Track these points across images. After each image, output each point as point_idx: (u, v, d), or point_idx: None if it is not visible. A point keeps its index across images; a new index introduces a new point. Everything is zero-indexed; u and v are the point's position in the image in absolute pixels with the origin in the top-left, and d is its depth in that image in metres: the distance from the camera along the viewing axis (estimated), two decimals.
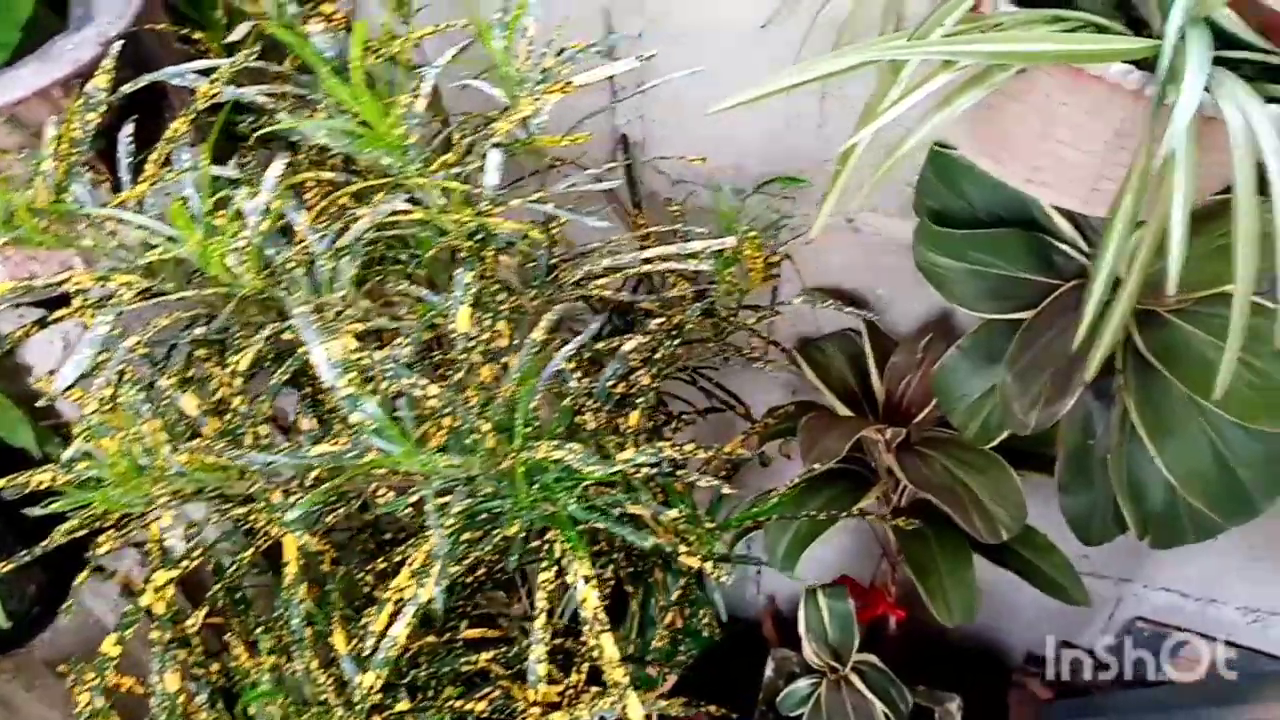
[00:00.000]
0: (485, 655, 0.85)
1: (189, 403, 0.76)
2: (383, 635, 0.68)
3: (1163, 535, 1.05)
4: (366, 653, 0.71)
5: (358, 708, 0.71)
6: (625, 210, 1.14)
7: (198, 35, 0.97)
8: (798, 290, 1.25)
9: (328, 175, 0.86)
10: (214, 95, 0.79)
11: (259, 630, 0.81)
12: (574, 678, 0.89)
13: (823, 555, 1.67)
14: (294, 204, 0.73)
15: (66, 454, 0.73)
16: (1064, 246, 1.01)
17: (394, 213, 0.69)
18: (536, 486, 0.67)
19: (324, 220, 0.74)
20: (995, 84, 0.67)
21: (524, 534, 0.79)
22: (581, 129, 0.80)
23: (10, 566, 0.79)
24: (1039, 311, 1.00)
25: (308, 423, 0.81)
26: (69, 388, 0.73)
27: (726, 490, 0.81)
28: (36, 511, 0.73)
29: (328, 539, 0.99)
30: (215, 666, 0.80)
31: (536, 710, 0.78)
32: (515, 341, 0.75)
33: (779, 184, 1.02)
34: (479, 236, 0.70)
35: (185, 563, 0.78)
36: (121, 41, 0.83)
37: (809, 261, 1.24)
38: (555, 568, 0.75)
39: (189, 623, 0.81)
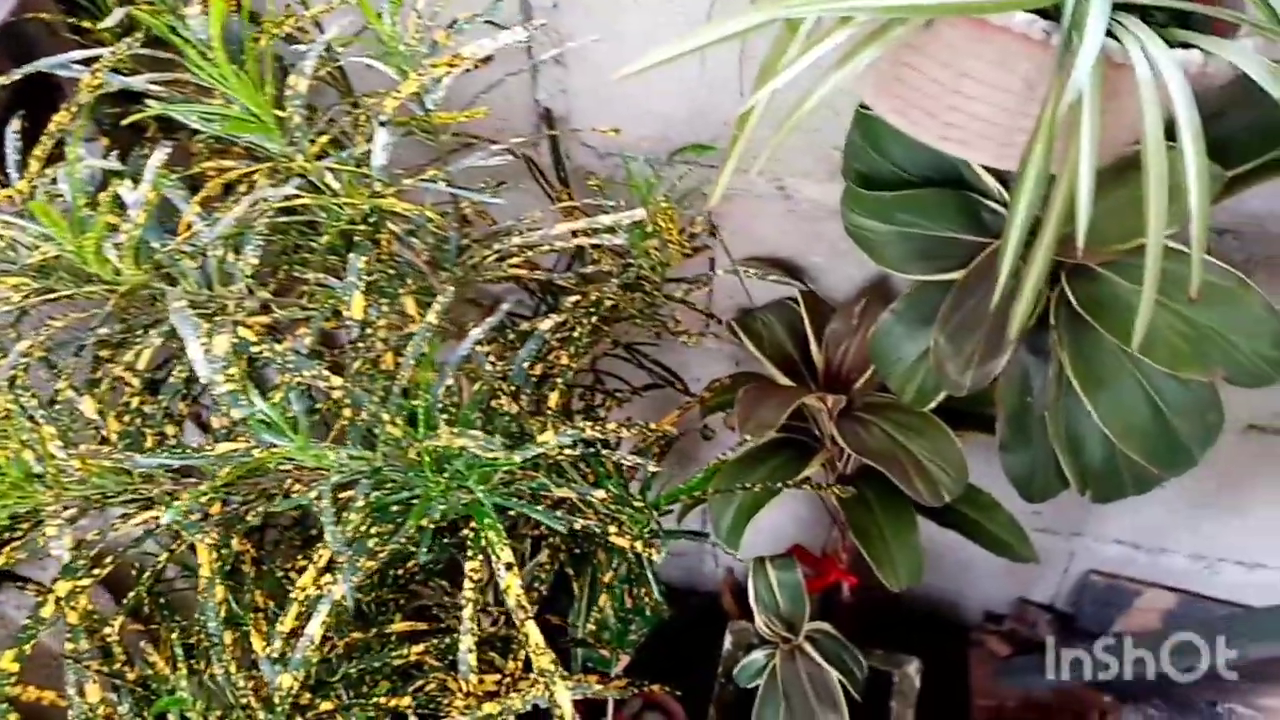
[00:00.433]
0: (417, 648, 0.83)
1: (89, 406, 0.74)
2: (297, 635, 0.66)
3: (1103, 489, 1.05)
4: (285, 654, 0.69)
5: (278, 710, 0.69)
6: (551, 186, 1.11)
7: (88, 24, 0.93)
8: (734, 261, 1.24)
9: (229, 164, 0.83)
10: (98, 86, 0.76)
11: (174, 635, 0.78)
12: (510, 665, 0.87)
13: (779, 525, 1.67)
14: (184, 194, 0.70)
15: None
16: (992, 204, 1.00)
17: (287, 198, 0.66)
18: (447, 475, 0.65)
19: (219, 210, 0.71)
20: (896, 38, 0.65)
21: (444, 524, 0.77)
22: (497, 105, 0.77)
23: None
24: (969, 271, 0.99)
25: (218, 420, 0.79)
26: None
27: (653, 468, 0.79)
28: None
29: (255, 538, 0.97)
30: (132, 675, 0.77)
31: (462, 702, 0.76)
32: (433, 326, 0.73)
33: (690, 152, 1.00)
34: (373, 219, 0.68)
35: (97, 570, 0.76)
36: None
37: (743, 232, 1.22)
38: (481, 556, 0.73)
39: (106, 631, 0.79)
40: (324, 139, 0.66)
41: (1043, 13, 0.65)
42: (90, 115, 0.81)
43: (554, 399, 0.80)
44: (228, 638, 0.76)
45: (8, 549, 0.73)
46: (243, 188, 0.75)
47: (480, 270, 0.81)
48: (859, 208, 1.02)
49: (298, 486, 0.69)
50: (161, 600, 0.89)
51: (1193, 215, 0.65)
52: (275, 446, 0.58)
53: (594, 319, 0.86)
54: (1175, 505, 1.44)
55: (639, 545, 0.79)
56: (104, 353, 0.81)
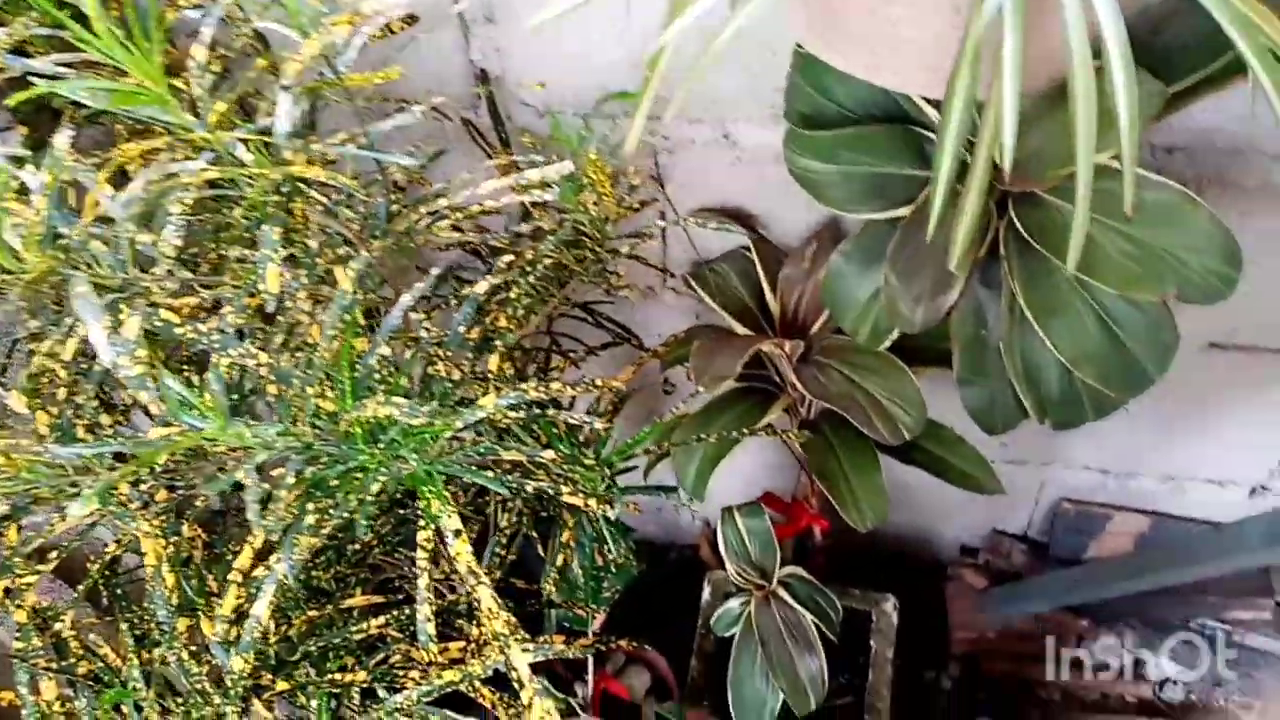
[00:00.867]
0: (377, 621, 0.83)
1: (15, 400, 0.72)
2: (243, 617, 0.65)
3: (1062, 417, 1.04)
4: (239, 637, 0.68)
5: (232, 693, 0.69)
6: (491, 148, 1.09)
7: None
8: (685, 213, 1.22)
9: (155, 144, 0.80)
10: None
11: (124, 626, 0.77)
12: (475, 632, 0.87)
13: (750, 474, 1.67)
14: (92, 176, 0.68)
15: None
16: (936, 137, 0.98)
17: (191, 172, 0.64)
18: (381, 446, 0.64)
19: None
20: None
21: (397, 495, 0.76)
22: (431, 67, 0.74)
23: None
24: (915, 207, 0.98)
25: (155, 408, 0.77)
26: None
27: (601, 425, 0.78)
28: None
29: (217, 524, 0.96)
30: (83, 669, 0.76)
31: (418, 673, 0.76)
32: (356, 295, 0.71)
33: (616, 99, 0.97)
34: (286, 189, 0.66)
35: (41, 566, 0.74)
36: None
37: (691, 183, 1.21)
38: (433, 526, 0.73)
39: (58, 626, 0.78)
40: (221, 107, 0.64)
41: None
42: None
43: (494, 363, 0.79)
44: (181, 624, 0.75)
45: None
46: (152, 166, 0.73)
47: (412, 236, 0.79)
48: (801, 149, 1.00)
49: (235, 467, 0.68)
50: (119, 591, 0.88)
51: (1121, 128, 0.64)
52: (195, 429, 0.57)
53: (532, 278, 0.84)
54: (1143, 428, 1.44)
55: (593, 503, 0.78)
56: (35, 345, 0.79)
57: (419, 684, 0.74)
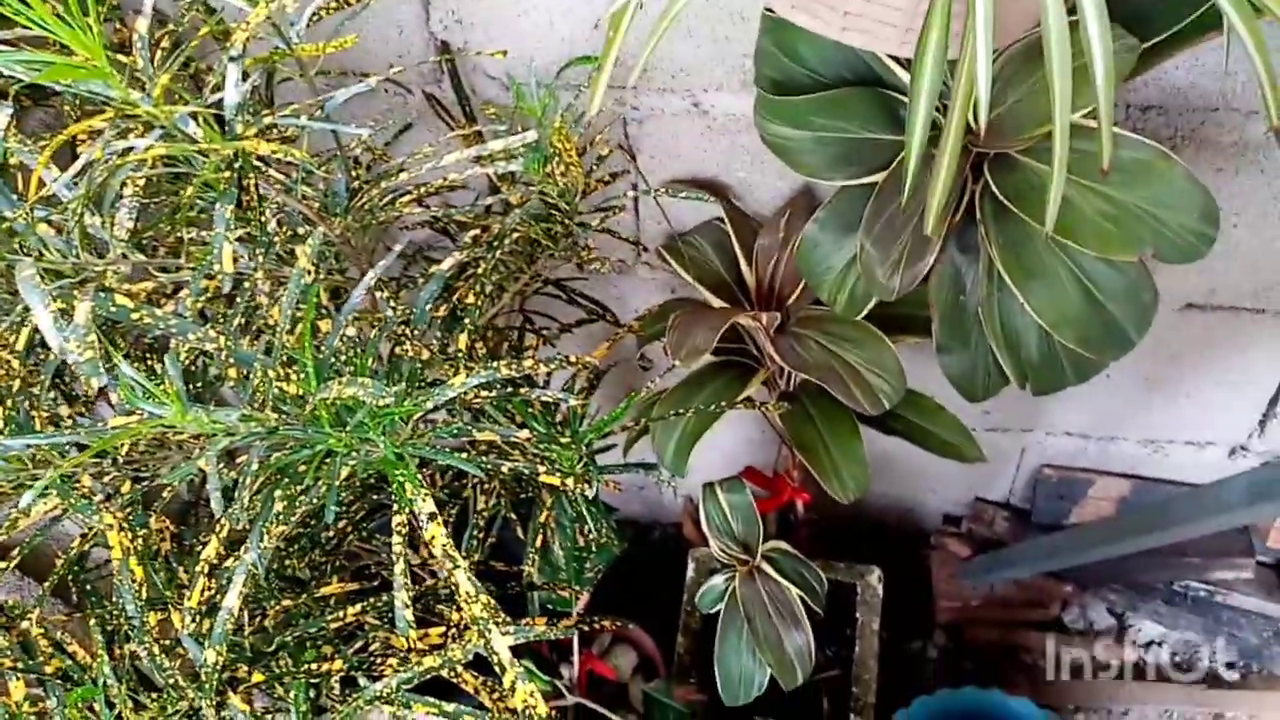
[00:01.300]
0: (354, 609, 0.81)
1: None
2: (215, 610, 0.63)
3: (1043, 381, 1.04)
4: (210, 629, 0.66)
5: (207, 686, 0.67)
6: (456, 122, 1.07)
7: None
8: (657, 185, 1.20)
9: (97, 123, 0.77)
10: None
11: (92, 621, 0.75)
12: (456, 617, 0.86)
13: (732, 449, 1.66)
14: (34, 157, 0.66)
15: None
16: (908, 99, 0.97)
17: (131, 150, 0.61)
18: (348, 429, 0.62)
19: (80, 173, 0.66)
20: None
21: (370, 480, 0.75)
22: (391, 40, 0.72)
23: None
24: (890, 172, 0.96)
25: (115, 397, 0.75)
26: None
27: (573, 402, 0.77)
28: None
29: (190, 517, 0.94)
30: (52, 667, 0.74)
31: (398, 659, 0.74)
32: (318, 274, 0.69)
33: (577, 64, 0.95)
34: (238, 165, 0.63)
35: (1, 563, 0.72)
36: None
37: (662, 154, 1.19)
38: (409, 510, 0.71)
39: (25, 625, 0.76)
40: (164, 79, 0.61)
41: None
42: None
43: (463, 341, 0.77)
44: (152, 619, 0.73)
45: None
46: (96, 143, 0.70)
47: (374, 213, 0.76)
48: (773, 115, 0.98)
49: (199, 455, 0.66)
50: (88, 586, 0.86)
51: (1097, 82, 0.62)
52: (154, 416, 0.55)
53: (499, 254, 0.82)
54: (1122, 392, 1.44)
55: (569, 482, 0.76)
56: None
57: (399, 671, 0.72)
